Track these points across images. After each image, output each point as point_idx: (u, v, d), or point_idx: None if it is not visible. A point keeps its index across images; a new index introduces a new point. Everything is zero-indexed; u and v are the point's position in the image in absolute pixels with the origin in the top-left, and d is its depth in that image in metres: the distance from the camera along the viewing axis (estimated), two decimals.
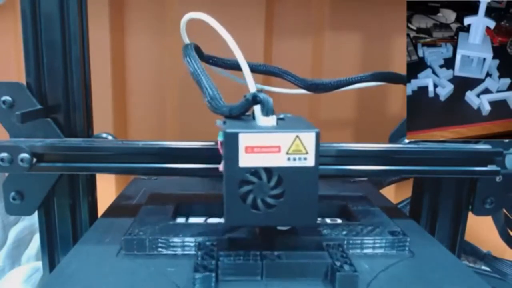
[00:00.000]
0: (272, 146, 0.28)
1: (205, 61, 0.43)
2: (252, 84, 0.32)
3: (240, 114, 0.32)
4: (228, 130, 0.28)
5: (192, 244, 0.34)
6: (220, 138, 0.29)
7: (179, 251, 0.34)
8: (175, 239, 0.34)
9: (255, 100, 0.31)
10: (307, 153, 0.29)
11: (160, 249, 0.34)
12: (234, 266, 0.30)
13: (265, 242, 0.33)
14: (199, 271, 0.28)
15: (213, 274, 0.28)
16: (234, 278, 0.30)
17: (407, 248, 0.35)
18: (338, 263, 0.30)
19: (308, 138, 0.28)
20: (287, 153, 0.28)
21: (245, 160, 0.28)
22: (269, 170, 0.29)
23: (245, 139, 0.28)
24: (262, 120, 0.30)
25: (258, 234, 0.35)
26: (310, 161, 0.29)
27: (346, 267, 0.29)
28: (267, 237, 0.34)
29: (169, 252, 0.34)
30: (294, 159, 0.28)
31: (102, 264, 0.32)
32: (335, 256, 0.31)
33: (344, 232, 0.35)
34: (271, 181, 0.29)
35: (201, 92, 0.34)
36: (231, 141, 0.28)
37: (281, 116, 0.34)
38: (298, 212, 0.29)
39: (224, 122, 0.31)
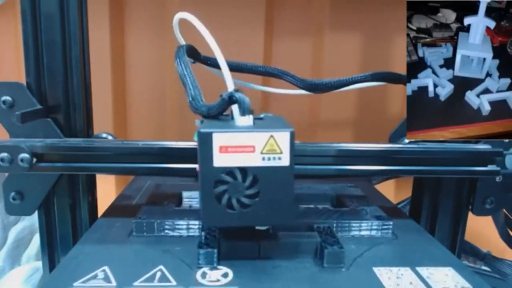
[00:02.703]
0: (246, 146, 0.28)
1: (203, 62, 0.43)
2: (230, 83, 0.32)
3: (218, 113, 0.32)
4: (202, 130, 0.28)
5: (196, 227, 0.37)
6: (195, 138, 0.29)
7: (184, 233, 0.37)
8: (181, 222, 0.37)
9: (231, 99, 0.31)
10: (281, 152, 0.28)
11: (167, 231, 0.37)
12: (234, 244, 0.33)
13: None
14: (202, 248, 0.31)
15: (215, 250, 0.31)
16: (234, 255, 0.32)
17: (390, 231, 0.38)
18: (326, 242, 0.33)
19: (283, 138, 0.28)
20: (262, 153, 0.28)
21: (220, 160, 0.28)
22: (244, 170, 0.29)
23: (219, 138, 0.28)
24: (239, 119, 0.30)
25: None
26: (285, 161, 0.29)
27: (334, 245, 0.32)
28: None
29: (175, 233, 0.37)
30: (269, 159, 0.29)
31: (114, 245, 0.35)
32: (324, 236, 0.34)
33: (334, 216, 0.39)
34: (246, 181, 0.29)
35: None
36: (205, 140, 0.28)
37: (261, 115, 0.34)
38: (274, 212, 0.30)
39: (202, 122, 0.32)
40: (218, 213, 0.29)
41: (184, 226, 0.37)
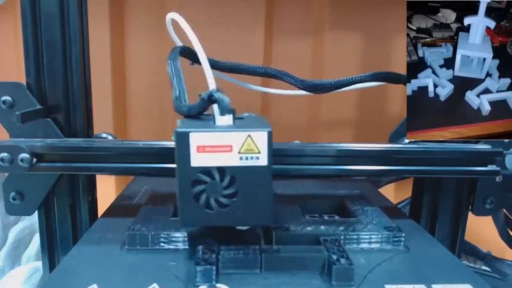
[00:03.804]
0: (224, 146, 0.28)
1: (201, 63, 0.43)
2: (212, 83, 0.32)
3: (198, 113, 0.32)
4: (179, 130, 0.28)
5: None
6: (173, 138, 0.29)
7: (180, 246, 0.35)
8: (177, 234, 0.35)
9: (210, 99, 0.31)
10: (259, 152, 0.28)
11: (162, 244, 0.35)
12: (234, 259, 0.31)
13: (264, 237, 0.34)
14: (200, 264, 0.29)
15: (214, 267, 0.29)
16: (234, 271, 0.30)
17: (402, 243, 0.36)
18: (334, 257, 0.31)
19: (260, 138, 0.28)
20: (239, 153, 0.28)
21: (197, 160, 0.28)
22: (221, 170, 0.29)
23: (196, 138, 0.28)
24: (219, 119, 0.30)
25: (258, 229, 0.35)
26: (263, 161, 0.29)
27: (343, 260, 0.30)
28: (267, 232, 0.35)
29: (171, 246, 0.34)
30: (247, 158, 0.28)
31: (105, 259, 0.33)
32: (332, 250, 0.32)
33: (341, 228, 0.36)
34: (224, 181, 0.29)
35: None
36: (182, 140, 0.28)
37: (244, 115, 0.34)
38: (252, 212, 0.29)
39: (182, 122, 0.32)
40: (196, 213, 0.29)
41: (180, 239, 0.35)
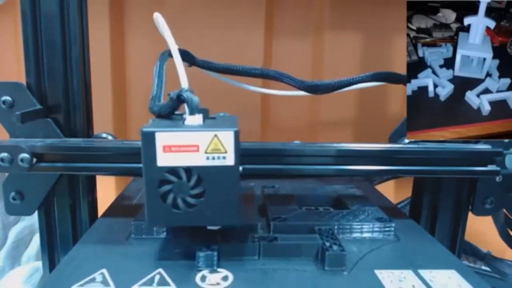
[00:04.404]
0: (190, 145, 0.28)
1: (198, 66, 0.43)
2: (184, 81, 0.32)
3: (169, 113, 0.32)
4: (145, 129, 0.28)
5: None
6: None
7: (184, 234, 0.36)
8: None
9: (179, 98, 0.31)
10: (226, 152, 0.28)
11: (166, 233, 0.36)
12: (234, 246, 0.33)
13: (263, 226, 0.36)
14: (202, 250, 0.31)
15: (215, 253, 0.31)
16: (233, 257, 0.32)
17: (392, 233, 0.37)
18: (328, 244, 0.33)
19: (227, 137, 0.28)
20: (206, 152, 0.28)
21: (164, 160, 0.28)
22: (188, 170, 0.29)
23: (162, 138, 0.28)
24: (188, 119, 0.30)
25: (257, 220, 0.36)
26: (230, 160, 0.29)
27: (335, 247, 0.32)
28: (265, 223, 0.37)
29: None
30: (213, 158, 0.28)
31: (110, 248, 0.34)
32: (325, 238, 0.34)
33: (335, 218, 0.38)
34: (191, 181, 0.29)
35: None
36: (148, 140, 0.28)
37: (220, 115, 0.34)
38: (220, 212, 0.30)
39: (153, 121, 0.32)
40: (163, 213, 0.29)
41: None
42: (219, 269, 0.31)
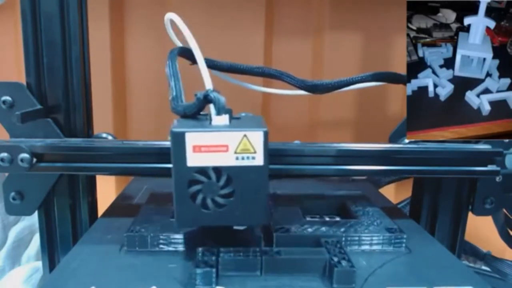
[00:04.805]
0: (219, 145, 0.28)
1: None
2: (208, 83, 0.32)
3: (194, 113, 0.32)
4: (174, 130, 0.28)
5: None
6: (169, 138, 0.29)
7: (180, 248, 0.34)
8: (176, 236, 0.34)
9: (206, 99, 0.31)
10: (255, 152, 0.28)
11: (161, 246, 0.34)
12: (234, 261, 0.30)
13: (265, 238, 0.34)
14: (200, 267, 0.29)
15: (214, 270, 0.29)
16: (234, 273, 0.30)
17: (403, 245, 0.35)
18: (335, 259, 0.30)
19: (256, 137, 0.28)
20: (235, 152, 0.28)
21: (193, 160, 0.28)
22: (217, 170, 0.29)
23: (192, 138, 0.28)
24: (215, 119, 0.30)
25: (258, 231, 0.35)
26: (259, 160, 0.28)
27: (344, 263, 0.30)
28: (267, 234, 0.35)
29: (171, 248, 0.34)
30: (243, 158, 0.28)
31: (104, 261, 0.32)
32: (333, 252, 0.31)
33: (342, 229, 0.36)
34: (220, 181, 0.29)
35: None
36: (178, 140, 0.28)
37: (242, 115, 0.34)
38: (249, 212, 0.29)
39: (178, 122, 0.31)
40: (192, 213, 0.29)
41: (180, 241, 0.34)
42: (217, 287, 0.29)
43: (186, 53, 0.40)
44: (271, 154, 0.38)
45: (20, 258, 0.60)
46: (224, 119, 0.30)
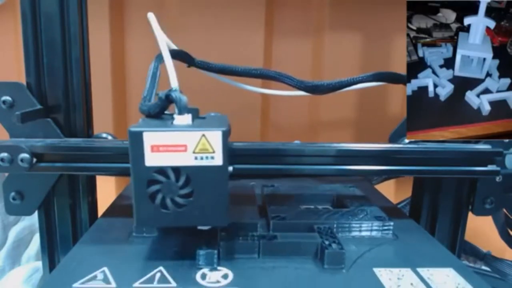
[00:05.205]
0: (178, 145, 0.28)
1: (197, 66, 0.43)
2: (174, 81, 0.32)
3: (158, 113, 0.32)
4: (132, 129, 0.28)
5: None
6: None
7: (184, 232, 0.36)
8: None
9: (168, 98, 0.31)
10: (214, 152, 0.28)
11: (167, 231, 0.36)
12: (234, 245, 0.33)
13: (263, 225, 0.37)
14: (202, 249, 0.31)
15: (215, 251, 0.31)
16: (234, 255, 0.32)
17: (391, 232, 0.38)
18: (327, 242, 0.33)
19: (215, 137, 0.28)
20: (194, 152, 0.28)
21: (152, 159, 0.28)
22: (176, 169, 0.29)
23: (150, 137, 0.28)
24: (177, 119, 0.30)
25: (257, 219, 0.37)
26: (218, 160, 0.28)
27: (334, 245, 0.32)
28: (265, 221, 0.38)
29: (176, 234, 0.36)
30: (202, 158, 0.28)
31: (111, 247, 0.34)
32: (324, 236, 0.34)
33: (334, 217, 0.38)
34: (179, 181, 0.29)
35: None
36: (136, 140, 0.28)
37: (211, 115, 0.35)
38: (209, 212, 0.30)
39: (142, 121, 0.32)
40: (152, 213, 0.29)
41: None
42: (219, 267, 0.31)
43: (179, 55, 0.40)
44: (271, 154, 0.38)
45: (20, 258, 0.60)
46: (186, 119, 0.30)
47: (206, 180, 0.29)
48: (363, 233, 0.37)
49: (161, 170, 0.28)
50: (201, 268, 0.31)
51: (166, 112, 0.33)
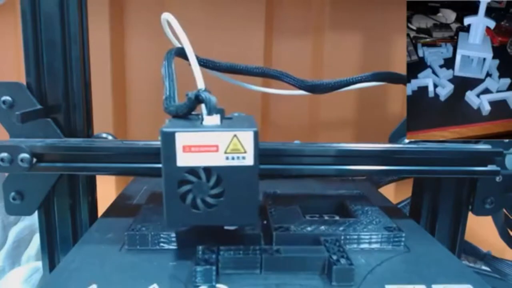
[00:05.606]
0: (209, 145, 0.28)
1: (199, 64, 0.43)
2: (200, 82, 0.32)
3: (186, 113, 0.32)
4: (165, 129, 0.28)
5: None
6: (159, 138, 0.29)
7: (180, 246, 0.34)
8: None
9: (197, 99, 0.31)
10: (245, 152, 0.28)
11: (162, 244, 0.34)
12: (234, 259, 0.31)
13: (265, 237, 0.34)
14: (200, 264, 0.29)
15: (214, 268, 0.29)
16: (234, 271, 0.30)
17: (402, 244, 0.35)
18: (334, 257, 0.31)
19: (246, 137, 0.28)
20: (225, 152, 0.28)
21: (183, 160, 0.28)
22: (207, 170, 0.29)
23: (182, 138, 0.28)
24: (206, 119, 0.30)
25: (259, 230, 0.35)
26: (249, 160, 0.28)
27: (343, 260, 0.30)
28: (267, 232, 0.35)
29: (171, 247, 0.34)
30: (233, 158, 0.28)
31: (105, 260, 0.33)
32: (332, 250, 0.32)
33: (341, 228, 0.36)
34: (210, 181, 0.29)
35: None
36: (168, 140, 0.28)
37: (234, 115, 0.34)
38: (239, 211, 0.29)
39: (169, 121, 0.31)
40: (182, 213, 0.29)
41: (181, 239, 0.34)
42: (217, 285, 0.29)
43: (183, 54, 0.40)
44: (271, 154, 0.38)
45: (20, 258, 0.60)
46: (215, 119, 0.30)
47: (237, 180, 0.29)
48: (373, 245, 0.35)
49: (193, 170, 0.28)
50: (198, 286, 0.29)
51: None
